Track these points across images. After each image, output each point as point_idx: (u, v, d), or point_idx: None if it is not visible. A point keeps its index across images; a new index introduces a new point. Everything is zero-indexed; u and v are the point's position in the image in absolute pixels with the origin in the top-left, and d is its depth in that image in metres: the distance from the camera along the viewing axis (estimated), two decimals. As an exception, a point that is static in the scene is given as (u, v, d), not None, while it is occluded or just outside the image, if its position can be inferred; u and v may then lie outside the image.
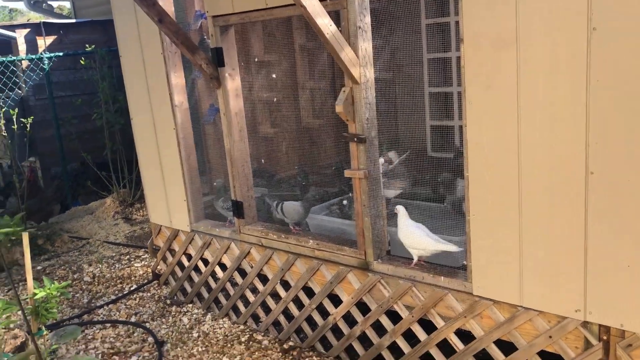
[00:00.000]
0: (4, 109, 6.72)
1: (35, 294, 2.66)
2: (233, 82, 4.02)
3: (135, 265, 5.89)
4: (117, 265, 5.92)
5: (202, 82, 5.16)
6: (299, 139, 5.56)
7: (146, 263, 5.90)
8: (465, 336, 3.16)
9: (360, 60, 3.17)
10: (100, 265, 5.93)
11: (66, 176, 8.08)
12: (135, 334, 4.40)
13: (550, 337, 2.75)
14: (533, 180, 2.64)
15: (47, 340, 2.76)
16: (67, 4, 15.17)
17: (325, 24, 2.96)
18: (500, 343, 3.00)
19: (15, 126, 6.71)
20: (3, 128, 6.64)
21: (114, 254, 6.27)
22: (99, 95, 7.55)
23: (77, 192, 8.26)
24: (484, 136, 2.77)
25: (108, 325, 4.61)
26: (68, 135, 7.89)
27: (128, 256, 6.18)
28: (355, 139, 3.29)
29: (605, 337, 2.62)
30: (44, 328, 2.73)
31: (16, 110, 6.69)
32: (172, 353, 4.07)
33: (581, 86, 2.42)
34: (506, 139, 2.69)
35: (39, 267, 6.07)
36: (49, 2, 12.19)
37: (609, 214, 2.45)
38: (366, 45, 3.20)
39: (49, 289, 2.42)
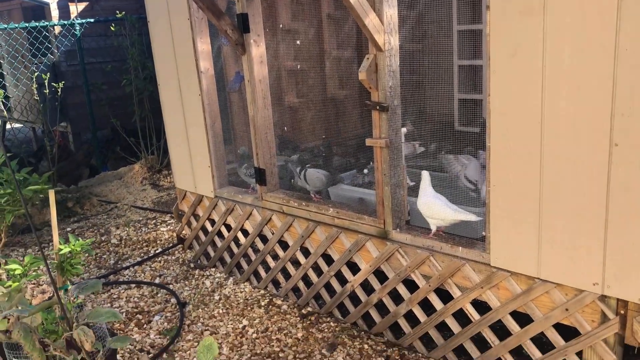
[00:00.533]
0: (36, 74, 6.85)
1: (60, 250, 2.75)
2: (258, 48, 4.02)
3: (161, 229, 6.01)
4: (143, 229, 6.06)
5: (228, 49, 5.17)
6: (323, 109, 5.55)
7: (171, 228, 6.02)
8: (481, 307, 3.16)
9: (385, 26, 3.14)
10: (127, 229, 6.08)
11: (96, 142, 8.25)
12: (158, 295, 4.52)
13: (566, 309, 2.74)
14: (555, 151, 2.60)
15: (72, 297, 2.87)
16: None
17: (349, -11, 2.93)
18: (516, 315, 3.00)
19: (47, 91, 6.84)
20: (36, 92, 6.78)
21: (141, 218, 6.41)
22: (128, 62, 7.63)
23: (107, 157, 8.43)
24: (507, 105, 2.73)
25: (133, 285, 4.74)
26: (98, 101, 8.02)
27: (154, 220, 6.31)
28: (378, 107, 3.27)
29: (622, 311, 2.60)
30: (69, 283, 2.82)
31: (48, 75, 6.81)
32: (193, 314, 4.17)
33: (609, 55, 2.36)
34: (530, 108, 2.65)
35: (68, 229, 6.25)
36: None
37: (632, 187, 2.41)
38: (391, 11, 3.16)
39: (73, 245, 2.50)
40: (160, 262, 5.19)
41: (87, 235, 6.02)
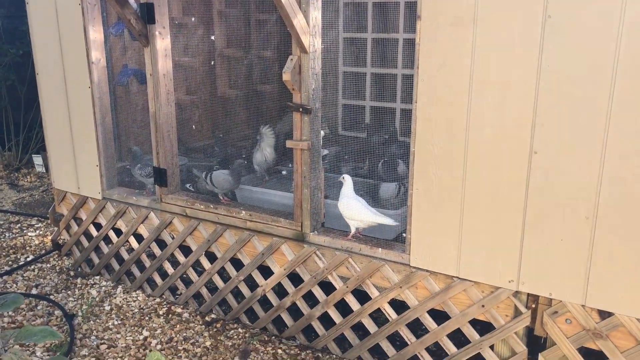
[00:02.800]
0: None
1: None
2: (163, 41, 3.79)
3: (29, 234, 5.41)
4: (7, 235, 5.41)
5: (115, 40, 4.81)
6: (215, 109, 5.39)
7: (42, 232, 5.45)
8: (399, 306, 3.27)
9: (310, 28, 3.12)
10: (-13, 234, 5.39)
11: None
12: (39, 307, 4.06)
13: (483, 306, 2.93)
14: (479, 157, 2.77)
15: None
16: None
17: (281, -13, 2.87)
18: (433, 313, 3.14)
19: None
20: None
21: (1, 222, 5.71)
22: (-18, 47, 6.78)
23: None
24: (433, 113, 2.85)
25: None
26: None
27: (19, 225, 5.66)
28: (301, 109, 3.25)
29: (533, 306, 2.84)
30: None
31: None
32: (84, 327, 3.81)
33: (533, 70, 2.56)
34: (456, 116, 2.79)
35: None
36: None
37: (548, 191, 2.64)
38: (316, 14, 3.15)
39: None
40: (33, 270, 4.67)
41: None
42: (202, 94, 5.31)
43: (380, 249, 3.22)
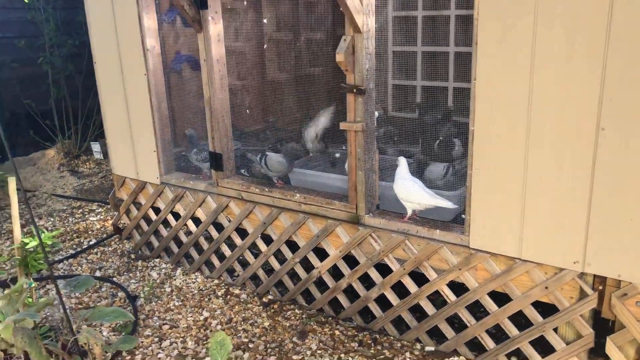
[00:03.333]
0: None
1: (25, 244, 2.45)
2: (216, 26, 3.81)
3: (91, 219, 5.61)
4: (70, 219, 5.62)
5: (168, 27, 4.88)
6: (265, 93, 5.42)
7: (102, 217, 5.64)
8: (458, 288, 3.23)
9: (364, 7, 3.08)
10: (52, 219, 5.61)
11: (3, 123, 7.52)
12: (103, 289, 4.21)
13: (546, 287, 2.85)
14: (542, 134, 2.68)
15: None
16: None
17: (335, -34, 2.83)
18: (493, 295, 3.08)
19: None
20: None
21: (65, 207, 5.94)
22: (42, 39, 7.00)
23: (16, 141, 7.71)
24: (494, 90, 2.77)
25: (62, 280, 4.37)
26: (7, 80, 7.29)
27: (81, 210, 5.87)
28: (355, 90, 3.22)
29: (600, 287, 2.74)
30: (31, 280, 2.54)
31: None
32: (147, 308, 3.93)
33: (601, 40, 2.44)
34: (517, 92, 2.70)
35: (-19, 220, 5.67)
36: None
37: (617, 169, 2.53)
38: (370, -8, 3.10)
39: (45, 237, 2.23)
40: (97, 254, 4.84)
41: (6, 227, 5.49)
42: (252, 78, 5.34)
43: (438, 230, 3.17)
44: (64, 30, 7.14)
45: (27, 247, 2.45)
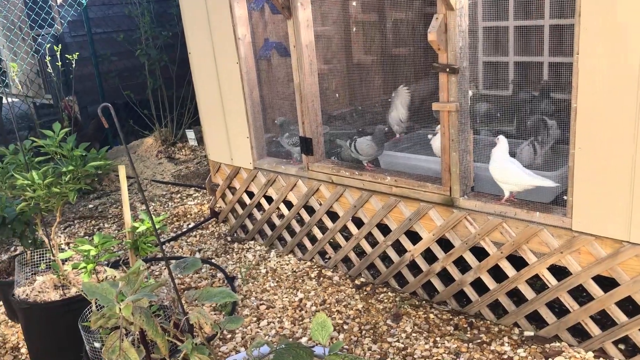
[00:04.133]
0: (47, 45, 6.57)
1: (135, 228, 2.62)
2: (304, 11, 3.84)
3: (189, 203, 5.88)
4: (169, 204, 5.92)
5: (257, 14, 4.97)
6: (352, 76, 5.41)
7: (199, 201, 5.89)
8: (560, 273, 3.11)
9: (456, -16, 2.99)
10: (153, 204, 5.93)
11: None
12: (203, 270, 4.42)
13: (658, 272, 2.69)
14: (654, 111, 2.51)
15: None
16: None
17: (426, -56, 2.76)
18: (597, 280, 2.94)
19: (60, 63, 6.57)
20: (48, 64, 6.51)
21: (164, 193, 6.26)
22: (138, 32, 7.36)
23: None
24: (599, 64, 2.61)
25: (173, 261, 4.62)
26: (107, 72, 7.76)
27: (179, 195, 6.17)
28: (448, 70, 3.15)
29: None
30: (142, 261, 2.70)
31: (59, 46, 6.54)
32: (244, 288, 4.08)
33: None
34: (625, 67, 2.54)
35: (90, 206, 6.09)
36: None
37: None
38: (462, -32, 3.01)
39: (152, 221, 2.37)
40: (195, 236, 5.07)
41: (111, 212, 5.87)
42: (339, 62, 5.35)
43: (537, 212, 3.06)
44: (157, 22, 7.47)
45: (137, 231, 2.62)
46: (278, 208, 4.52)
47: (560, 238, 2.99)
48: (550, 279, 3.10)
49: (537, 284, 3.30)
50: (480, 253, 3.36)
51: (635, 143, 2.59)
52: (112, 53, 7.65)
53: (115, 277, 2.18)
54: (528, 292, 3.22)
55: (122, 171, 2.71)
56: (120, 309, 1.69)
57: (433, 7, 3.14)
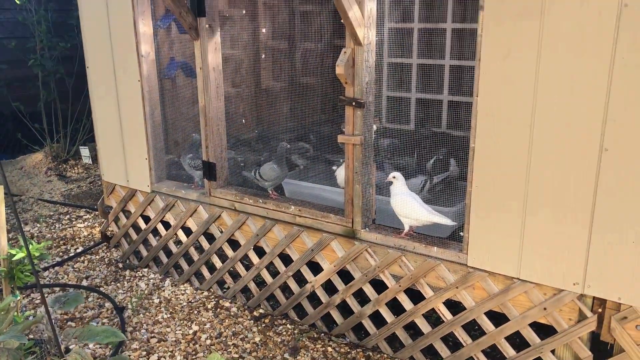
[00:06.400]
0: None
1: (12, 255, 2.36)
2: (213, 34, 3.75)
3: (78, 225, 5.50)
4: (57, 225, 5.51)
5: (162, 32, 4.81)
6: (259, 101, 5.36)
7: (90, 224, 5.53)
8: (453, 306, 3.17)
9: (365, 20, 3.03)
10: (38, 225, 5.49)
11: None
12: (90, 299, 4.11)
13: (544, 309, 2.81)
14: (544, 153, 2.65)
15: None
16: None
17: (337, -22, 2.79)
18: (490, 314, 3.03)
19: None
20: None
21: (52, 213, 5.82)
22: (32, 40, 6.89)
23: (2, 144, 7.57)
24: (496, 107, 2.73)
25: (57, 289, 4.27)
26: (-7, 81, 7.18)
27: (68, 216, 5.76)
28: (354, 103, 3.17)
29: (600, 310, 2.70)
30: (18, 293, 2.45)
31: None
32: (134, 320, 3.83)
33: (605, 62, 2.42)
34: (520, 110, 2.66)
35: (-35, 225, 5.53)
36: None
37: (620, 191, 2.50)
38: (372, 5, 3.06)
39: (33, 248, 2.15)
40: (83, 262, 4.73)
41: (-11, 232, 5.35)
42: (246, 86, 5.28)
43: (435, 247, 3.12)
44: (55, 32, 7.03)
45: (14, 258, 2.36)
46: (176, 234, 4.32)
47: (456, 273, 3.07)
48: (445, 313, 3.15)
49: (432, 316, 3.36)
50: (379, 286, 3.37)
51: (527, 184, 2.72)
52: (2, 61, 7.10)
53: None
54: (424, 326, 3.26)
55: (0, 192, 2.45)
56: (-17, 351, 1.48)
57: (342, 39, 3.17)
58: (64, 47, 6.96)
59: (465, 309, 3.08)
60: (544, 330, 2.92)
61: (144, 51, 4.12)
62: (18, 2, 6.66)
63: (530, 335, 2.91)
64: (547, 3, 2.50)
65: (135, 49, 4.11)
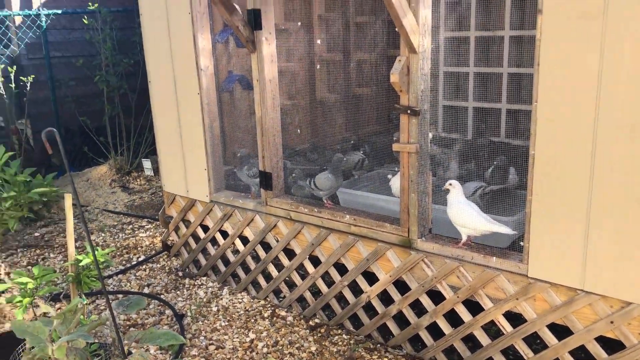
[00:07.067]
0: (1, 67, 6.37)
1: (79, 260, 2.47)
2: (269, 47, 3.82)
3: (140, 235, 5.68)
4: (120, 235, 5.71)
5: (221, 47, 4.94)
6: (314, 112, 5.41)
7: (151, 233, 5.70)
8: (514, 318, 3.08)
9: (420, 28, 3.02)
10: (102, 234, 5.71)
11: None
12: (151, 306, 4.23)
13: (611, 322, 2.69)
14: (609, 160, 2.55)
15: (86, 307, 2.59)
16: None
17: (392, -14, 2.79)
18: (553, 327, 2.93)
19: (14, 85, 6.36)
20: (1, 87, 6.29)
21: (115, 223, 6.04)
22: (99, 58, 7.22)
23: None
24: (557, 113, 2.66)
25: (120, 296, 4.42)
26: (63, 97, 7.55)
27: (131, 226, 5.96)
28: (409, 111, 3.15)
29: (672, 324, 2.57)
30: (84, 297, 2.55)
31: (14, 68, 6.33)
32: (193, 327, 3.91)
33: (674, 64, 2.32)
34: (582, 114, 2.58)
35: (36, 234, 5.81)
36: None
37: (692, 199, 2.38)
38: (426, 12, 3.05)
39: (99, 254, 2.24)
40: (145, 270, 4.88)
41: (58, 241, 5.61)
42: (302, 97, 5.35)
43: (494, 257, 3.05)
44: (119, 49, 7.35)
45: (80, 264, 2.47)
46: (233, 243, 4.40)
47: (517, 284, 2.98)
48: (505, 325, 3.07)
49: (492, 329, 3.27)
50: (436, 296, 3.32)
51: (590, 193, 2.62)
52: (70, 78, 7.47)
53: (49, 314, 2.03)
54: (483, 338, 3.18)
55: (68, 200, 2.57)
56: (52, 350, 1.56)
57: (396, 49, 3.16)
58: (127, 63, 7.26)
59: (526, 321, 2.99)
60: (611, 345, 2.79)
61: (203, 65, 4.24)
62: (86, 22, 7.00)
63: (597, 350, 2.79)
64: (610, 3, 2.42)
65: (195, 63, 4.23)
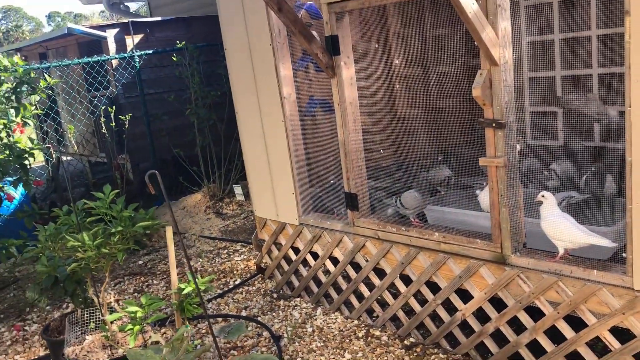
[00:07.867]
0: (102, 107, 6.88)
1: (182, 289, 2.62)
2: (348, 70, 3.90)
3: (235, 259, 5.90)
4: (217, 259, 5.95)
5: (301, 73, 5.08)
6: (396, 130, 5.42)
7: (245, 257, 5.90)
8: (621, 334, 2.92)
9: (499, 40, 2.98)
10: (200, 260, 5.98)
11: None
12: (249, 329, 4.37)
13: None
14: None
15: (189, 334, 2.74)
16: (138, 5, 15.60)
17: (467, 2, 2.78)
18: (666, 342, 2.75)
19: (114, 123, 6.85)
20: (103, 125, 6.79)
21: (211, 248, 6.31)
22: (187, 92, 7.62)
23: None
24: (653, 117, 2.53)
25: (220, 319, 4.60)
26: (158, 131, 8.02)
27: (226, 250, 6.20)
28: (494, 125, 3.10)
29: None
30: (187, 324, 2.70)
31: (114, 108, 6.83)
32: (290, 348, 4.01)
33: None
34: (682, 119, 2.44)
35: (140, 262, 6.18)
36: (125, 4, 12.52)
37: None
38: (505, 24, 3.00)
39: (200, 283, 2.37)
40: (241, 293, 5.06)
41: (160, 268, 5.94)
42: (382, 116, 5.38)
43: (595, 270, 2.92)
44: (206, 82, 7.72)
45: (183, 292, 2.62)
46: (324, 264, 4.48)
47: (621, 298, 2.83)
48: (612, 341, 2.92)
49: (597, 346, 3.11)
50: (535, 313, 3.21)
51: (698, 198, 2.46)
52: (163, 112, 7.93)
53: (158, 342, 2.17)
54: (589, 355, 3.03)
55: (169, 233, 2.74)
56: (164, 377, 1.67)
57: (477, 59, 3.13)
58: (214, 95, 7.61)
59: (635, 337, 2.82)
60: None
61: (285, 93, 4.39)
62: (175, 59, 7.42)
63: None
64: None
65: (278, 91, 4.38)
